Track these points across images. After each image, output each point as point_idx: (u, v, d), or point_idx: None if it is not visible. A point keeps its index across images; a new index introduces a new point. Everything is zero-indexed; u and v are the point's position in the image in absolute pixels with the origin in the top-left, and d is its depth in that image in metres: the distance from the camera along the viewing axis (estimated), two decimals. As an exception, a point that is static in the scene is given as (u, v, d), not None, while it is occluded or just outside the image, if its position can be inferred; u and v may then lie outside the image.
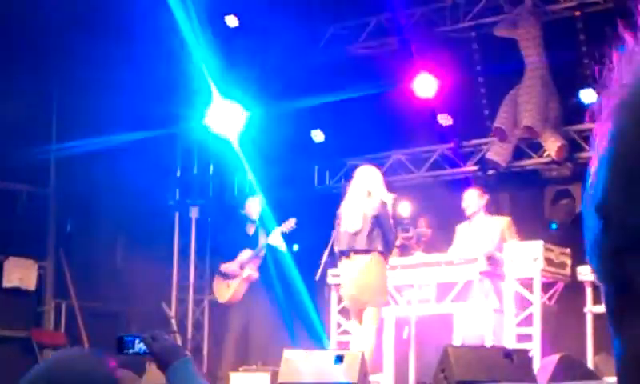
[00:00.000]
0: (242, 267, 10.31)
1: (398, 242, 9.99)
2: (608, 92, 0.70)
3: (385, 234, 8.69)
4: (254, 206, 10.63)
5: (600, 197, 0.70)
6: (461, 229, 9.90)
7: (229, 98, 11.76)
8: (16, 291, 12.39)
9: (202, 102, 11.95)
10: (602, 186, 0.69)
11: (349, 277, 8.79)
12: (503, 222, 9.77)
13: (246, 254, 10.32)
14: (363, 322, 8.77)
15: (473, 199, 9.84)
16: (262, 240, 10.31)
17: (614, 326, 0.73)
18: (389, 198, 8.89)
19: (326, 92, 11.29)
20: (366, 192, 8.82)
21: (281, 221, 10.40)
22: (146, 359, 3.27)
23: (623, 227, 0.67)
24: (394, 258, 9.56)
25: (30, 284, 12.50)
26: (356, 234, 8.70)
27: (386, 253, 8.80)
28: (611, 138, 0.69)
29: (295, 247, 11.59)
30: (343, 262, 8.89)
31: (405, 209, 11.13)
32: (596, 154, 0.72)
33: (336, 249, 8.99)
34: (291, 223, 10.20)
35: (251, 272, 10.27)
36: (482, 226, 9.74)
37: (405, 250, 9.96)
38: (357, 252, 8.72)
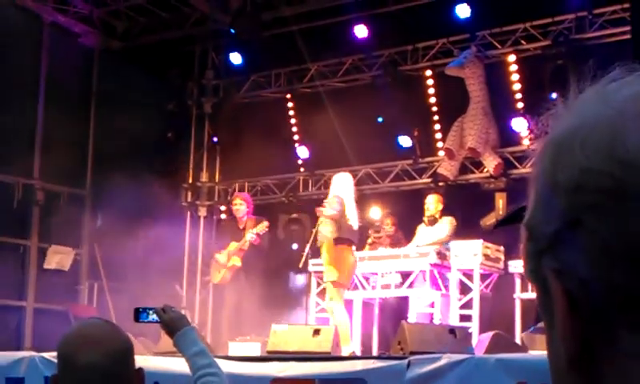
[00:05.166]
0: (229, 257, 10.11)
1: (369, 240, 10.04)
2: (540, 139, 0.73)
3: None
4: (241, 206, 10.35)
5: (527, 215, 0.72)
6: (420, 228, 9.90)
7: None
8: (56, 272, 12.30)
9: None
10: (529, 208, 0.72)
11: None
12: (448, 220, 9.80)
13: (232, 246, 10.12)
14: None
15: (433, 203, 9.87)
16: (246, 234, 10.05)
17: (545, 323, 0.72)
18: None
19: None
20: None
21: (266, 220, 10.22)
22: (160, 327, 3.22)
23: (540, 235, 0.70)
24: (365, 251, 9.61)
25: (66, 266, 12.40)
26: None
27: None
28: (535, 172, 0.72)
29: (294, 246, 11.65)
30: None
31: (376, 213, 11.12)
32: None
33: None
34: (264, 226, 10.02)
35: (234, 262, 10.03)
36: (436, 225, 9.77)
37: (375, 246, 10.01)
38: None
